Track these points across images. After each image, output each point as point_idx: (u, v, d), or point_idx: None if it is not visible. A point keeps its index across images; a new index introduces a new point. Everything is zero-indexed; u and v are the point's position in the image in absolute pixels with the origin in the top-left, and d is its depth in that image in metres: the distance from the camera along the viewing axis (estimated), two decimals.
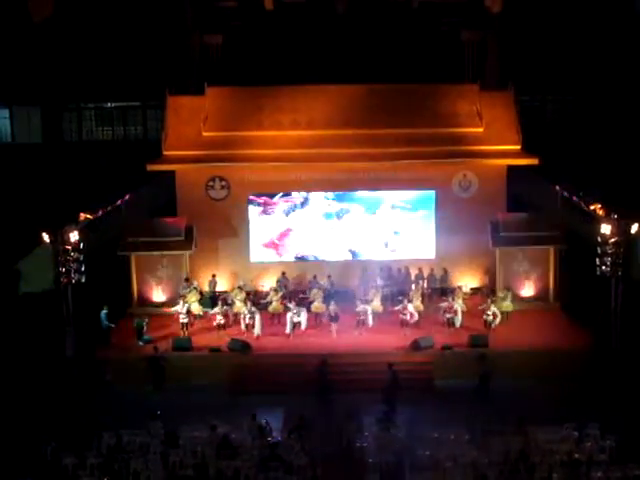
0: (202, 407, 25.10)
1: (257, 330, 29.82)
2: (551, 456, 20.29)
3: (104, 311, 29.74)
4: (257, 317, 29.97)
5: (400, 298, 30.81)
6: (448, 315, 30.23)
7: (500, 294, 31.55)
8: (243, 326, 30.14)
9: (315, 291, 31.59)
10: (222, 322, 30.30)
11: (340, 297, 31.08)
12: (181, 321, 30.12)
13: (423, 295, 31.76)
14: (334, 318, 29.85)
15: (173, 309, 30.55)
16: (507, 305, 31.09)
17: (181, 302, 30.45)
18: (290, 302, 30.66)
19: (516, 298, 31.94)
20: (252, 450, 21.08)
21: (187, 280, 32.35)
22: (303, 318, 30.14)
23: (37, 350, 28.31)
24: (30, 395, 25.99)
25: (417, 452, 21.15)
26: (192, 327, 30.60)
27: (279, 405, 25.37)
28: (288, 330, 29.87)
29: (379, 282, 32.32)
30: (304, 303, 31.27)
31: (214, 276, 33.45)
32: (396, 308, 30.35)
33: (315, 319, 30.92)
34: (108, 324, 29.72)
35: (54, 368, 27.64)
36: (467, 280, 33.55)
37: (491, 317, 29.93)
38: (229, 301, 31.31)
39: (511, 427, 22.03)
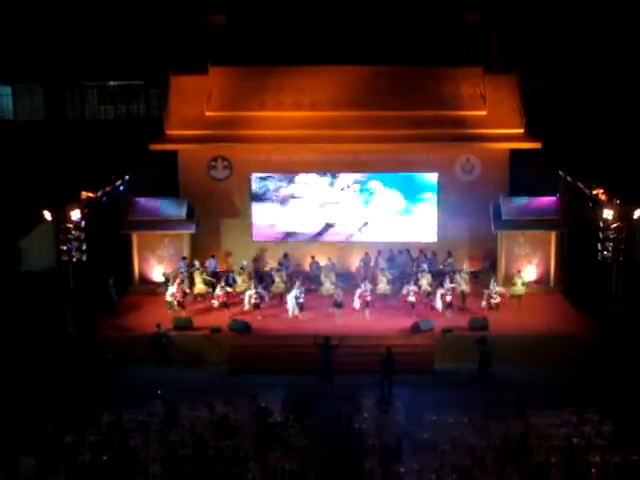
0: (202, 387, 25.22)
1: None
2: (549, 440, 20.32)
3: (111, 282, 29.99)
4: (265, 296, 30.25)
5: (405, 281, 30.74)
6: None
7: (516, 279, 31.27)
8: (248, 306, 30.01)
9: (325, 273, 31.40)
10: (226, 301, 30.21)
11: (341, 280, 31.11)
12: (176, 300, 30.09)
13: (433, 276, 31.66)
14: (339, 304, 29.80)
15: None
16: (518, 289, 30.97)
17: (175, 282, 30.39)
18: (296, 283, 30.50)
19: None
20: (251, 430, 21.15)
21: (184, 259, 32.32)
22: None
23: (38, 328, 28.39)
24: (31, 372, 26.06)
25: (416, 435, 21.21)
26: (194, 306, 30.62)
27: (279, 386, 25.38)
28: (290, 312, 29.83)
29: (382, 264, 32.27)
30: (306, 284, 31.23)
31: (213, 256, 33.42)
32: (404, 292, 30.26)
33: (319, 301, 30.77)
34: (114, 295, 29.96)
35: (55, 346, 27.70)
36: (469, 263, 33.42)
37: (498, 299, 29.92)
38: (230, 281, 31.31)
39: (510, 411, 22.09)
